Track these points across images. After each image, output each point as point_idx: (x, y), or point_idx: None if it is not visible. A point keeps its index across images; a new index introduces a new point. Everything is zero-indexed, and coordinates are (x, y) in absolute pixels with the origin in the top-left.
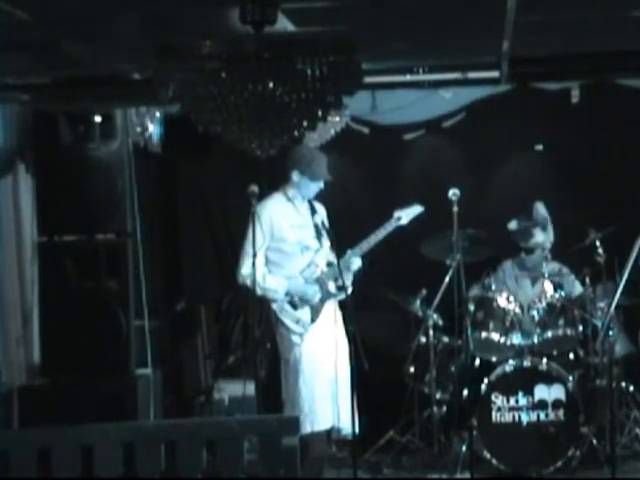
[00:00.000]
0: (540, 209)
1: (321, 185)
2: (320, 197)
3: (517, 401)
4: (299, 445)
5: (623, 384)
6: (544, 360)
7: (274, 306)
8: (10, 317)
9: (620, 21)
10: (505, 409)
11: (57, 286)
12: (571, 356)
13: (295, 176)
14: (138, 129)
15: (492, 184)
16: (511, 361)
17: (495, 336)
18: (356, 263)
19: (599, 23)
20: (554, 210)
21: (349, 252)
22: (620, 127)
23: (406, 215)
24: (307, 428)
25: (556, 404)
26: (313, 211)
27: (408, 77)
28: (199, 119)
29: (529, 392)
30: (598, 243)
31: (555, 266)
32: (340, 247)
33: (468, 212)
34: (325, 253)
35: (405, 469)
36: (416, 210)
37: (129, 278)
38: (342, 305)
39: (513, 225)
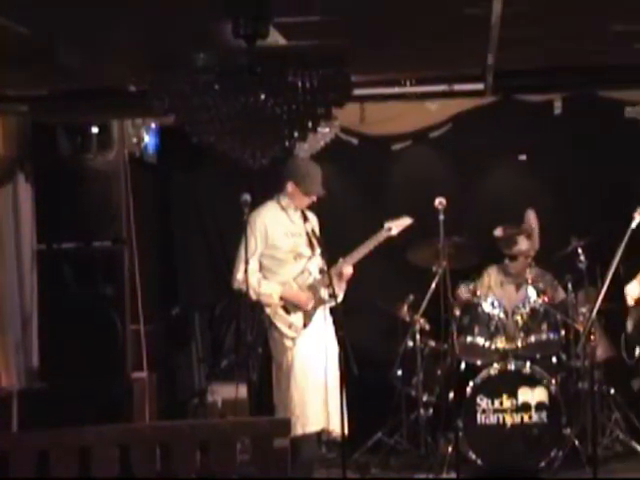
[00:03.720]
0: (531, 216)
1: (314, 198)
2: (312, 206)
3: (501, 403)
4: (290, 446)
5: (604, 387)
6: (528, 364)
7: (268, 311)
8: (9, 322)
9: (601, 35)
10: (490, 411)
11: (55, 292)
12: (554, 360)
13: (290, 187)
14: (134, 140)
15: (477, 193)
16: (496, 365)
17: (480, 340)
18: (347, 270)
19: (581, 37)
20: (538, 217)
21: (341, 260)
22: (601, 138)
23: (396, 226)
24: (298, 430)
25: (539, 406)
26: (305, 220)
27: (396, 89)
28: (193, 130)
29: (513, 395)
30: (580, 250)
31: (539, 272)
32: (331, 255)
33: (454, 220)
34: (317, 261)
35: (393, 469)
36: (406, 222)
37: (125, 284)
38: (332, 311)
39: (498, 232)
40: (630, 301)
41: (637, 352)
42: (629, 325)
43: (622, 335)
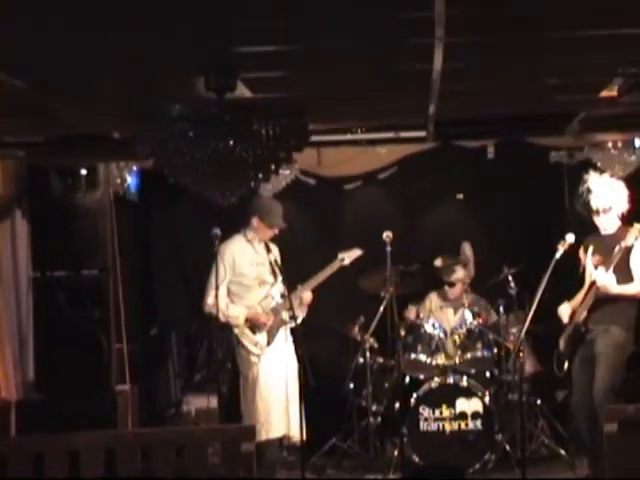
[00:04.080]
0: (466, 248)
1: (276, 231)
2: (274, 238)
3: (441, 413)
4: (255, 450)
5: (532, 398)
6: (464, 377)
7: (236, 331)
8: (8, 341)
9: (532, 88)
10: (431, 419)
11: (49, 314)
12: (487, 374)
13: (255, 221)
14: (118, 181)
15: (420, 227)
16: (436, 378)
17: (422, 357)
18: (307, 296)
19: (513, 90)
20: (473, 249)
21: (299, 287)
22: (529, 179)
23: (348, 257)
24: (262, 436)
25: (474, 415)
26: (268, 250)
27: (348, 136)
28: (170, 172)
29: (451, 405)
30: (510, 278)
31: (474, 297)
32: (291, 281)
33: (399, 251)
34: (279, 287)
35: (346, 471)
36: (356, 252)
37: (110, 308)
38: (292, 331)
39: (438, 262)
40: (565, 319)
41: (566, 366)
42: (561, 342)
43: (555, 351)
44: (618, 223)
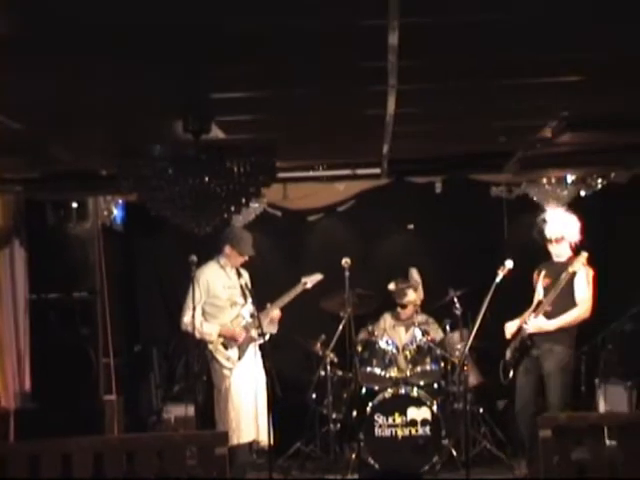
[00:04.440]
0: (414, 273)
1: (246, 258)
2: (244, 264)
3: (394, 420)
4: (228, 453)
5: (475, 407)
6: (415, 388)
7: (210, 347)
8: (8, 356)
9: (476, 130)
10: (385, 426)
11: (44, 332)
12: (435, 386)
13: (227, 249)
14: (105, 213)
15: (375, 255)
16: (389, 389)
17: (377, 370)
18: (276, 313)
19: (458, 132)
20: (423, 274)
21: (269, 305)
22: (472, 211)
23: (310, 281)
24: (234, 440)
25: (424, 422)
26: (239, 275)
27: (311, 173)
28: (152, 205)
29: (403, 413)
30: (456, 300)
31: (423, 317)
32: (260, 303)
33: (357, 276)
34: (249, 307)
35: (309, 472)
36: (318, 277)
37: (98, 326)
38: (261, 347)
39: (391, 286)
40: (508, 335)
41: (511, 374)
42: (508, 352)
43: (501, 360)
44: (569, 252)
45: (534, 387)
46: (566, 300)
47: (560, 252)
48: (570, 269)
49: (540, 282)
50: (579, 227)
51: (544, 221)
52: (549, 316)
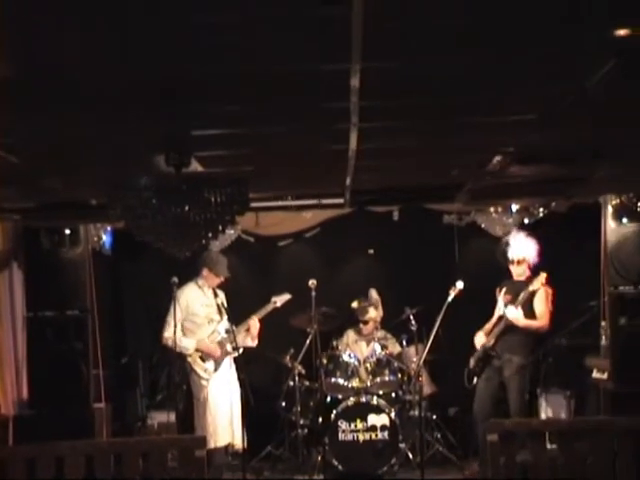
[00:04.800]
0: (373, 293)
1: (222, 279)
2: (220, 285)
3: (356, 426)
4: (206, 456)
5: (429, 414)
6: (374, 397)
7: (189, 360)
8: (7, 367)
9: (430, 164)
10: (348, 431)
11: (39, 346)
12: (393, 395)
13: (204, 271)
14: (95, 239)
15: (339, 276)
16: (352, 398)
17: (341, 381)
18: (256, 329)
19: (415, 166)
20: (382, 294)
21: (250, 318)
22: (426, 237)
23: (279, 300)
24: (211, 444)
25: (383, 428)
26: (216, 295)
27: (280, 203)
28: (137, 232)
29: (364, 419)
30: (411, 317)
31: (382, 333)
32: (234, 320)
33: (322, 296)
34: (224, 324)
35: (279, 472)
36: (286, 297)
37: (89, 341)
38: (235, 359)
39: (354, 305)
40: (478, 346)
41: (474, 381)
42: (471, 361)
43: (465, 369)
44: (528, 272)
45: (492, 393)
46: (527, 315)
47: (520, 272)
48: (531, 288)
49: (501, 298)
50: (537, 250)
51: (507, 244)
52: (512, 327)
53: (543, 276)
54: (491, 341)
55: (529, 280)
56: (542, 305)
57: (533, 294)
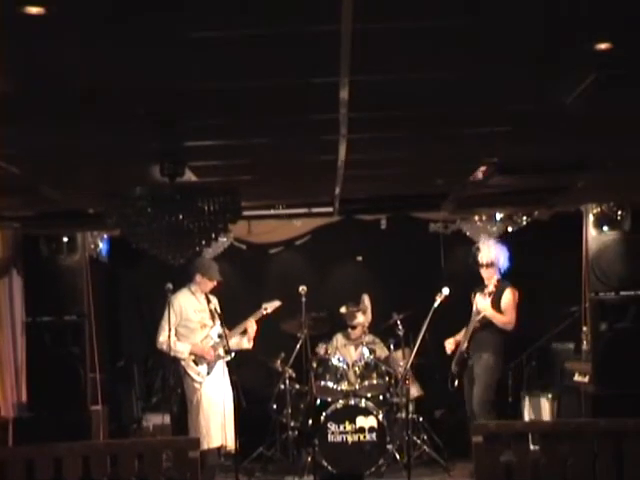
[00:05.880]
0: (365, 299)
1: (214, 284)
2: (213, 290)
3: (345, 427)
4: (199, 457)
5: (415, 416)
6: (363, 400)
7: (183, 363)
8: (7, 371)
9: (417, 174)
10: (337, 433)
11: (38, 350)
12: (381, 397)
13: (198, 278)
14: (92, 246)
15: (328, 283)
16: (341, 401)
17: (330, 384)
18: (253, 331)
19: (401, 175)
20: (370, 300)
21: (250, 319)
22: (413, 245)
23: (270, 307)
24: (204, 445)
25: (371, 430)
26: (208, 301)
27: (272, 211)
28: (133, 239)
29: (353, 422)
30: (399, 322)
31: (370, 337)
32: (227, 324)
33: (312, 301)
34: (217, 329)
35: (270, 473)
36: (277, 303)
37: (86, 345)
38: (228, 363)
39: (343, 310)
40: (448, 351)
41: (456, 383)
42: (453, 365)
43: (449, 372)
44: (498, 276)
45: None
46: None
47: (488, 275)
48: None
49: (475, 301)
50: (507, 255)
51: (477, 249)
52: (482, 326)
53: (507, 282)
54: (464, 344)
55: (498, 284)
56: (507, 301)
57: (500, 296)
